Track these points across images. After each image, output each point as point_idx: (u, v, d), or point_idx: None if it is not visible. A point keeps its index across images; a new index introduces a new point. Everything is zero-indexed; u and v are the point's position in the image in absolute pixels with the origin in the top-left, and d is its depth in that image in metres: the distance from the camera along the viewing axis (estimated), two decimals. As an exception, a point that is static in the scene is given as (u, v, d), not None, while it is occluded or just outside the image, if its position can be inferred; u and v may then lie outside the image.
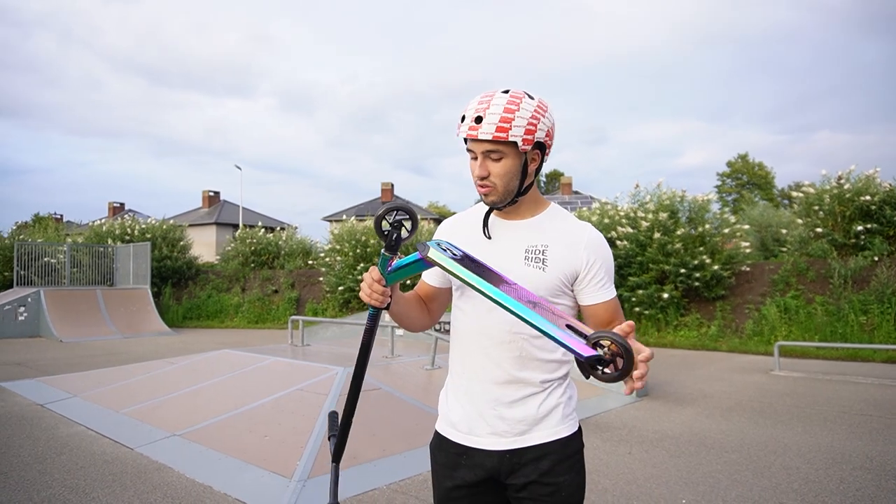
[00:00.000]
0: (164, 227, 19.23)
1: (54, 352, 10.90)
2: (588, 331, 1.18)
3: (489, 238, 1.57)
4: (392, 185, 37.49)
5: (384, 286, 1.41)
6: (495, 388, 1.51)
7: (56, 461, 4.29)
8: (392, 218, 1.40)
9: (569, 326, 1.20)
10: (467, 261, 1.35)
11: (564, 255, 1.49)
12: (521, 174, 1.47)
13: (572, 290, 1.52)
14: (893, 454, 4.54)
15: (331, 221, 30.39)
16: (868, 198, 11.91)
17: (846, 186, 12.34)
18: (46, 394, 6.65)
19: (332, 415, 1.75)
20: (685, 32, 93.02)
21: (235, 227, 26.97)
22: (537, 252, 1.50)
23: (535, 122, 1.42)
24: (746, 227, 13.53)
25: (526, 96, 1.42)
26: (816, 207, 12.68)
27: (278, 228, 21.74)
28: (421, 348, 8.31)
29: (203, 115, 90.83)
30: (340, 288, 16.24)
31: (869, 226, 11.87)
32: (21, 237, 18.77)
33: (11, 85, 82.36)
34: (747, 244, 13.26)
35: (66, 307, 14.11)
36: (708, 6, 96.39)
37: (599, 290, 1.51)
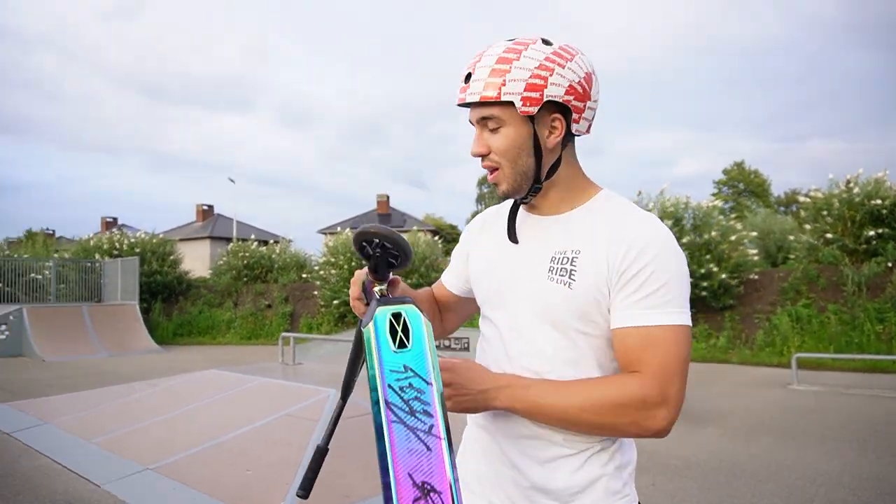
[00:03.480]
0: (154, 241, 18.73)
1: (35, 372, 10.38)
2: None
3: (516, 242, 1.13)
4: (388, 197, 37.07)
5: (364, 304, 1.11)
6: (512, 443, 1.08)
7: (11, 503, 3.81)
8: (372, 249, 1.00)
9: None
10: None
11: (598, 259, 1.03)
12: (533, 149, 1.05)
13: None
14: (946, 481, 4.10)
15: (326, 234, 29.96)
16: (878, 202, 11.54)
17: (855, 190, 11.97)
18: (15, 420, 6.14)
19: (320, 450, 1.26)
20: (678, 45, 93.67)
21: (230, 240, 26.49)
22: (564, 260, 1.05)
23: (543, 73, 1.01)
24: (754, 233, 13.14)
25: (539, 41, 1.04)
26: (825, 213, 12.30)
27: (272, 241, 21.26)
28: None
29: (201, 130, 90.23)
30: (336, 301, 15.78)
31: (880, 230, 11.49)
32: (6, 253, 18.27)
33: (11, 101, 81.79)
34: (755, 251, 12.87)
35: (51, 325, 13.57)
36: (699, 19, 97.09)
37: (632, 306, 0.99)
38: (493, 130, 1.05)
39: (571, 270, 1.04)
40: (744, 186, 45.27)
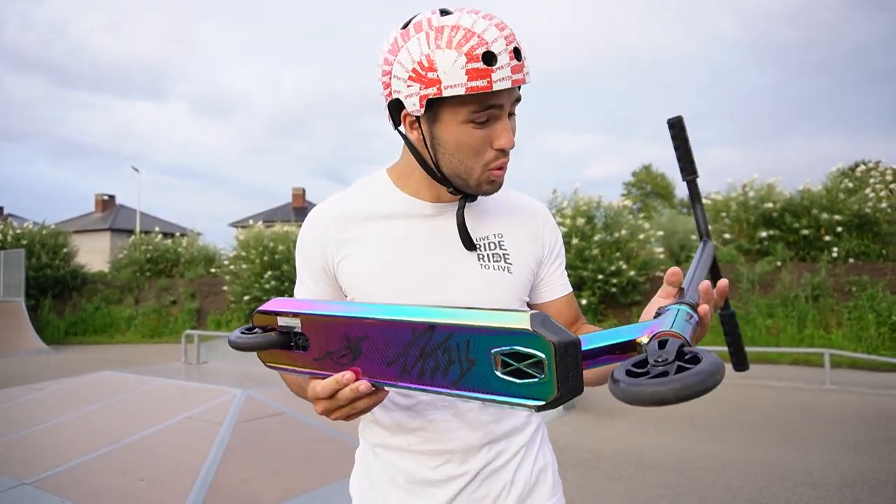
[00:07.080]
0: (44, 232, 17.26)
1: None
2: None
3: (474, 248, 1.00)
4: (303, 191, 36.12)
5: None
6: (464, 458, 0.98)
7: None
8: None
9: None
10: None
11: (525, 242, 1.05)
12: None
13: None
14: (831, 465, 4.40)
15: (237, 227, 28.78)
16: (770, 205, 12.40)
17: (750, 194, 12.81)
18: None
19: None
20: (595, 53, 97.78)
21: (133, 233, 24.89)
22: (492, 246, 1.00)
23: None
24: (661, 233, 13.78)
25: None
26: (723, 214, 13.08)
27: (178, 234, 20.12)
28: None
29: (111, 118, 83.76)
30: (246, 297, 15.16)
31: (771, 232, 12.35)
32: None
33: None
34: (661, 250, 13.50)
35: (-82, 324, 12.21)
36: (616, 30, 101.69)
37: (563, 277, 1.12)
38: (510, 116, 0.92)
39: (504, 255, 1.01)
40: (651, 188, 47.63)
